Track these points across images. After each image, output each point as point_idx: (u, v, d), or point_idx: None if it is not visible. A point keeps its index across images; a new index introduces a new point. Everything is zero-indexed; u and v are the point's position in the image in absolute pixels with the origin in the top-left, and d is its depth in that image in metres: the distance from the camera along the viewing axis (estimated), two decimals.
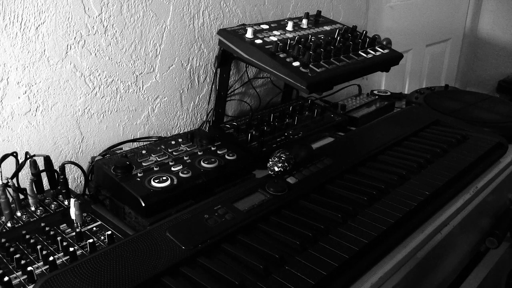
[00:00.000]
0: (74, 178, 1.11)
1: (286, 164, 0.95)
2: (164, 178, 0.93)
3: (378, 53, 1.18)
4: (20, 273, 0.72)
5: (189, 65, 1.28)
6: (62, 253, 0.77)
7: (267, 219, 0.83)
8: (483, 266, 1.21)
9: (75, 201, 0.84)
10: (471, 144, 1.15)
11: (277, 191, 0.89)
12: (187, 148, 1.08)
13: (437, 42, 2.61)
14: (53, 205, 0.89)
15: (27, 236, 0.79)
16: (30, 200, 0.88)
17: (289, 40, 1.10)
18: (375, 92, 1.64)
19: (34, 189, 0.89)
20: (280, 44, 1.07)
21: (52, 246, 0.79)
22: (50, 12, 0.97)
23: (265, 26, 1.20)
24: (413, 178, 0.98)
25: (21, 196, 0.89)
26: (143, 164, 1.00)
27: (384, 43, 1.27)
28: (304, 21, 1.27)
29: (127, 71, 1.14)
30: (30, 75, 0.98)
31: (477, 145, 1.15)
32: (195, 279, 0.67)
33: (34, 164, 0.89)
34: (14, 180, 0.87)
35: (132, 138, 1.20)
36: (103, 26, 1.07)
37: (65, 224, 0.86)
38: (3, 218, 0.85)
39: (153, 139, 1.20)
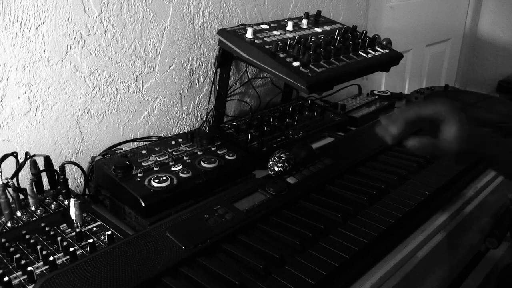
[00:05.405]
0: (74, 178, 1.11)
1: (286, 164, 0.95)
2: (164, 178, 0.93)
3: (378, 53, 1.18)
4: (20, 273, 0.72)
5: (189, 65, 1.28)
6: (62, 253, 0.77)
7: (267, 219, 0.83)
8: (483, 266, 1.21)
9: (75, 201, 0.84)
10: None
11: (277, 191, 0.89)
12: (187, 148, 1.08)
13: (437, 42, 2.61)
14: (53, 205, 0.89)
15: (27, 236, 0.79)
16: (30, 200, 0.88)
17: (289, 40, 1.10)
18: (375, 92, 1.64)
19: (34, 189, 0.89)
20: (280, 44, 1.07)
21: (52, 246, 0.79)
22: (50, 12, 0.97)
23: (265, 26, 1.20)
24: (413, 178, 0.98)
25: (21, 196, 0.89)
26: (143, 164, 1.00)
27: (384, 43, 1.27)
28: (304, 21, 1.27)
29: (127, 71, 1.14)
30: (30, 75, 0.98)
31: None
32: (195, 279, 0.67)
33: (34, 164, 0.89)
34: (14, 180, 0.87)
35: (132, 138, 1.20)
36: (103, 26, 1.07)
37: (65, 224, 0.86)
38: (3, 218, 0.85)
39: (153, 139, 1.20)
